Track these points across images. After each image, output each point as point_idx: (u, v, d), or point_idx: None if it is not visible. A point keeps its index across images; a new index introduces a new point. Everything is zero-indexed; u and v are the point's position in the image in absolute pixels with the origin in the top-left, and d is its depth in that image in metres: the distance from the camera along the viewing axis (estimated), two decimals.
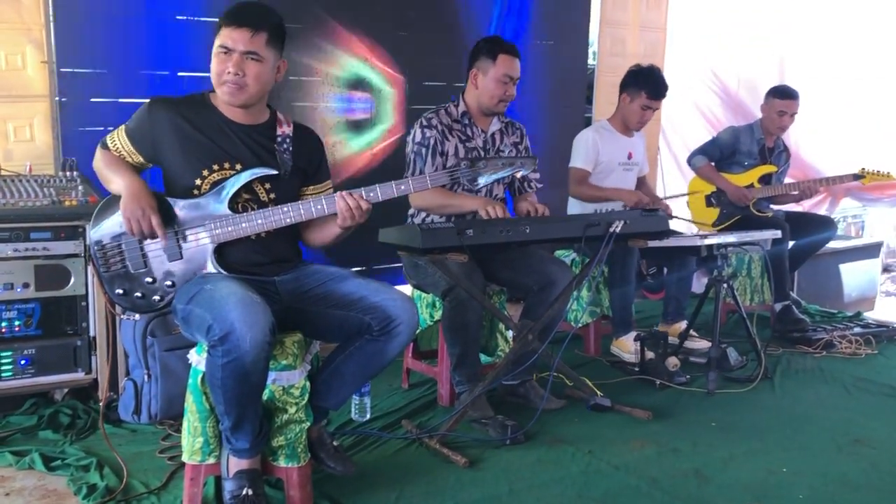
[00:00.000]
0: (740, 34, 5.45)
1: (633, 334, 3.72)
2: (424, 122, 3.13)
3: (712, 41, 5.48)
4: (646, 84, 3.83)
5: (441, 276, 2.93)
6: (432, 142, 3.08)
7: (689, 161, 4.53)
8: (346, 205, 2.18)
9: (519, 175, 2.41)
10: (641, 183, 4.11)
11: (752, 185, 4.43)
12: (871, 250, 5.35)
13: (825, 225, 4.57)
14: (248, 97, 2.22)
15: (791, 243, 4.43)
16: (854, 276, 5.15)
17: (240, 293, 1.99)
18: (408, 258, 3.15)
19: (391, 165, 4.09)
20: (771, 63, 5.44)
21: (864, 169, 4.51)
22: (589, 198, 3.83)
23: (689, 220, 4.47)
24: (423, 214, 3.17)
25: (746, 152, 4.46)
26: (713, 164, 4.49)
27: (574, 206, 3.96)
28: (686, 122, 5.59)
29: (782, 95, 4.39)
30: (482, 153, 3.16)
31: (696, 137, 5.25)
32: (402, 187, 2.28)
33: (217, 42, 2.19)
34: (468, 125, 3.18)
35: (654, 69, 3.90)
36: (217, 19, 2.25)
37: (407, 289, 3.15)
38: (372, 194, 2.23)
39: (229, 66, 2.16)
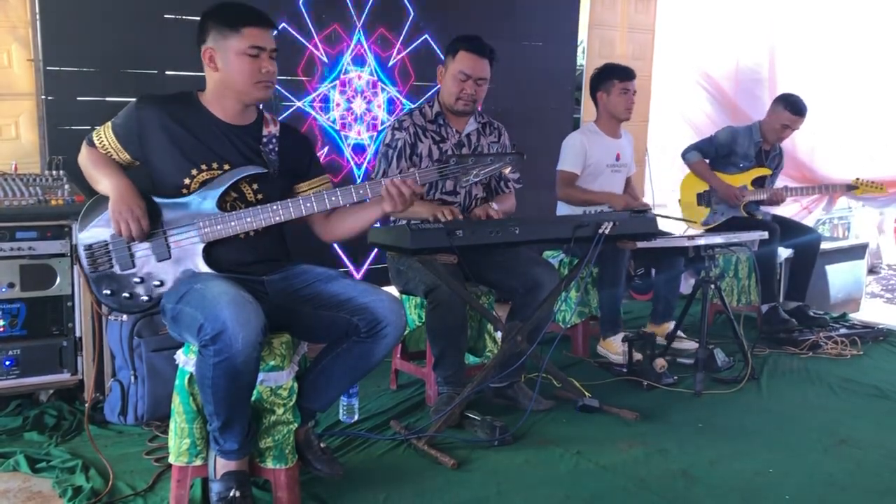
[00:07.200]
0: (731, 33, 5.48)
1: (620, 335, 3.73)
2: (396, 124, 3.13)
3: (704, 42, 5.50)
4: (611, 73, 3.91)
5: (420, 279, 2.93)
6: (400, 144, 3.07)
7: (684, 156, 4.54)
8: (399, 190, 2.22)
9: (507, 171, 2.41)
10: (627, 184, 4.13)
11: (744, 187, 4.45)
12: (856, 251, 5.38)
13: (807, 229, 4.65)
14: (273, 91, 2.32)
15: (790, 251, 4.47)
16: (840, 278, 5.19)
17: (231, 292, 1.99)
18: (392, 263, 3.15)
19: None
20: (762, 58, 5.47)
21: (858, 179, 4.56)
22: (577, 201, 3.84)
23: (678, 219, 4.50)
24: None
25: (743, 154, 4.47)
26: (707, 161, 4.50)
27: (563, 209, 3.96)
28: (677, 122, 5.61)
29: (793, 110, 4.36)
30: (456, 152, 3.13)
31: (687, 137, 5.28)
32: None
33: (245, 43, 2.19)
34: (443, 125, 3.16)
35: (607, 63, 4.02)
36: (203, 17, 2.25)
37: (394, 290, 3.15)
38: (361, 191, 2.26)
39: (265, 65, 2.22)
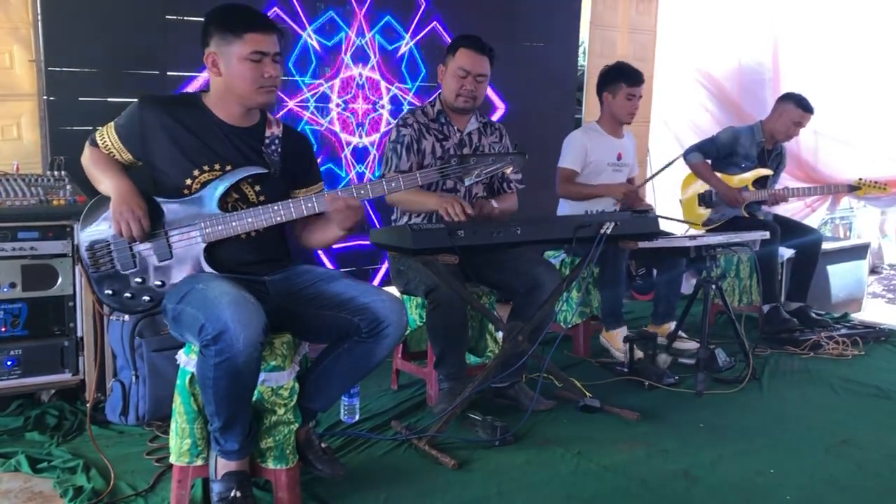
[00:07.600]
0: (733, 33, 5.47)
1: (623, 329, 3.73)
2: (401, 122, 3.16)
3: (705, 42, 5.50)
4: (621, 75, 3.88)
5: (421, 280, 2.93)
6: (407, 139, 3.10)
7: (685, 156, 4.53)
8: (337, 207, 2.20)
9: (508, 171, 2.41)
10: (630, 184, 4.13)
11: (746, 188, 4.44)
12: (858, 251, 5.38)
13: (809, 229, 4.63)
14: (276, 96, 2.32)
15: (791, 251, 4.47)
16: (841, 278, 5.18)
17: (233, 292, 1.99)
18: (392, 263, 3.15)
19: None
20: (764, 58, 5.46)
21: (861, 179, 4.55)
22: (577, 195, 3.84)
23: (680, 220, 4.49)
24: (406, 217, 3.17)
25: (744, 154, 4.46)
26: (709, 162, 4.50)
27: (565, 207, 3.97)
28: (679, 121, 5.61)
29: (804, 108, 4.36)
30: (458, 152, 3.15)
31: (688, 138, 5.28)
32: (393, 185, 2.30)
33: (248, 49, 2.18)
34: (445, 124, 3.19)
35: (620, 63, 3.99)
36: (206, 21, 2.24)
37: (395, 290, 3.15)
38: (363, 192, 2.26)
39: (269, 70, 2.21)
